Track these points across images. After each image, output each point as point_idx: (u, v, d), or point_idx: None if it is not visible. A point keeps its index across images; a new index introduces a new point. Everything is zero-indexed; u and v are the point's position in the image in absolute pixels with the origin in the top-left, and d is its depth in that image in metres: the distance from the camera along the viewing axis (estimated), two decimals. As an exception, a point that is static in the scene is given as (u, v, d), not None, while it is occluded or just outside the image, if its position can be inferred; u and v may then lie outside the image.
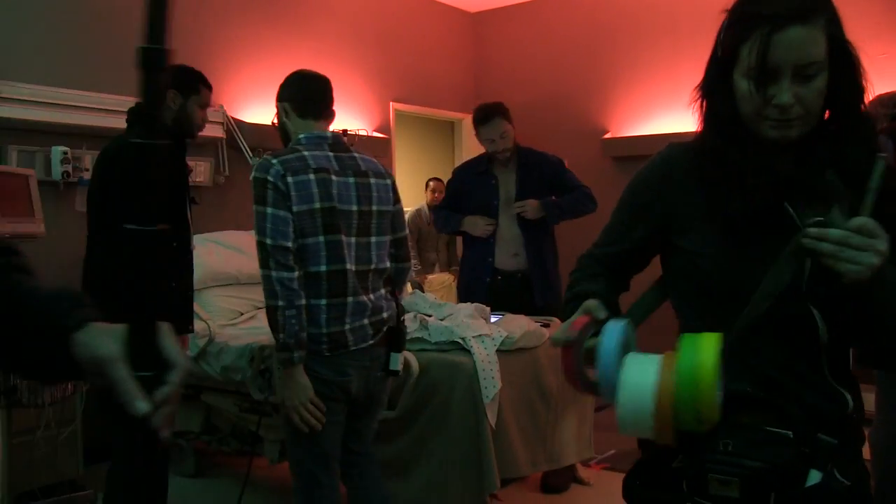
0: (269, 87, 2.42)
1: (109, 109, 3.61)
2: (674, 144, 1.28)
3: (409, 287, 4.87)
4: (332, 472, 2.25)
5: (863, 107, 1.15)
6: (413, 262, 5.84)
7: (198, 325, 2.96)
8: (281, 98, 2.31)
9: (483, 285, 3.74)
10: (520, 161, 3.79)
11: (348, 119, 5.22)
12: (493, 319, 3.27)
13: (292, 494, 2.28)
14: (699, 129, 1.23)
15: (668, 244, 1.25)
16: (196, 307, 2.93)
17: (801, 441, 1.06)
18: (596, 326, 1.10)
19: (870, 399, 1.75)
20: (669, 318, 1.30)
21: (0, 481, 2.85)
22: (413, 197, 6.62)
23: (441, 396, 2.86)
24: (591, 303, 1.14)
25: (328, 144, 2.24)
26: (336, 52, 5.25)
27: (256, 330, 3.40)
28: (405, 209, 2.50)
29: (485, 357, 2.87)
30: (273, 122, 2.37)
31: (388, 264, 2.33)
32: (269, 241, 2.08)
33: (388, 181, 2.35)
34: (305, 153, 2.17)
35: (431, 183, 6.17)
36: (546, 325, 3.31)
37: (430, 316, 3.19)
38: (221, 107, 4.42)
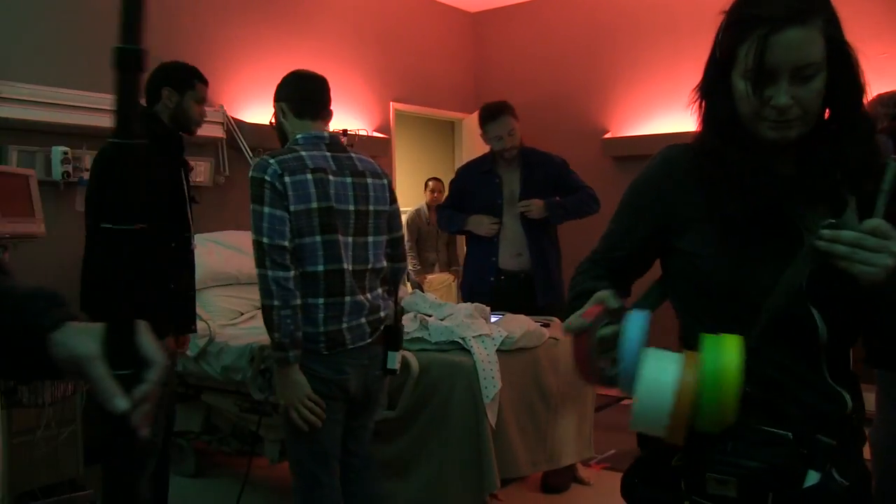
0: (269, 87, 2.42)
1: (109, 109, 3.59)
2: (673, 145, 1.28)
3: (409, 287, 4.88)
4: (332, 471, 2.26)
5: (862, 106, 1.15)
6: (413, 262, 5.89)
7: (198, 325, 2.97)
8: (278, 98, 2.31)
9: (487, 285, 3.73)
10: (524, 160, 3.78)
11: (348, 119, 5.22)
12: (493, 319, 3.27)
13: (292, 494, 2.28)
14: (698, 130, 1.23)
15: (668, 245, 1.24)
16: (196, 307, 2.94)
17: (800, 442, 1.06)
18: (608, 317, 1.09)
19: (870, 398, 1.75)
20: (669, 318, 1.30)
21: (0, 481, 2.85)
22: (413, 197, 6.62)
23: (441, 396, 2.86)
24: (604, 293, 1.12)
25: (325, 144, 2.24)
26: (336, 52, 5.26)
27: (256, 330, 3.40)
28: (405, 209, 2.51)
29: (485, 357, 2.87)
30: (270, 123, 2.38)
31: (384, 264, 2.34)
32: (265, 240, 2.08)
33: (385, 181, 2.36)
34: (303, 153, 2.17)
35: (431, 183, 6.17)
36: (546, 325, 3.31)
37: (430, 316, 3.19)
38: (221, 107, 4.42)
